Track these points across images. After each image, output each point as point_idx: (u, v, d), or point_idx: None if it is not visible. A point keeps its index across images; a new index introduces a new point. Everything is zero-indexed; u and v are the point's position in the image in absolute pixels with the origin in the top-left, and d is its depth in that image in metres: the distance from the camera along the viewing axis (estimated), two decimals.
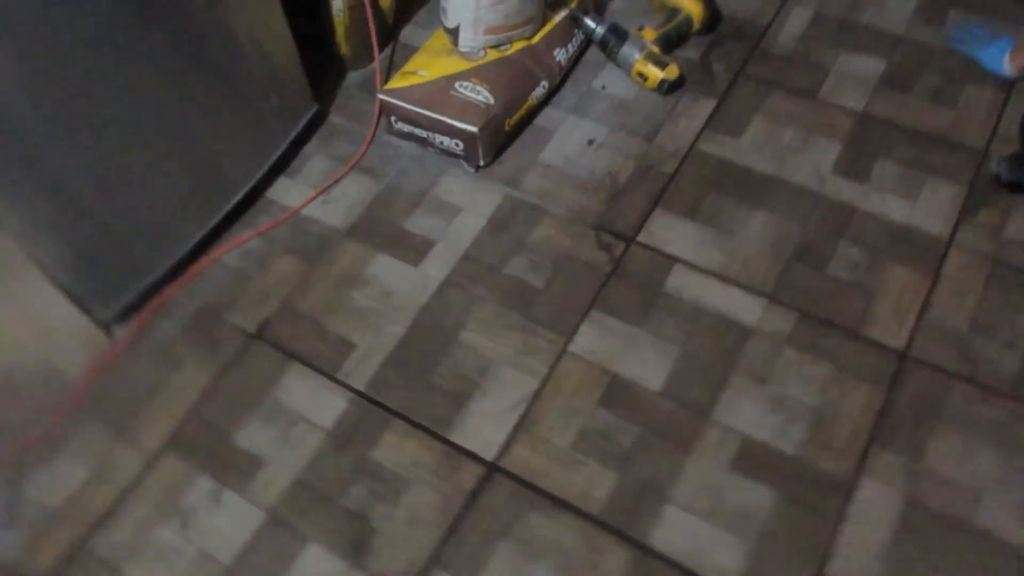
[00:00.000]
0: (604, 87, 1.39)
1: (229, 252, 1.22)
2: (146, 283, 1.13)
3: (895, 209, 1.22)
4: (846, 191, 1.24)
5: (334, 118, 1.38)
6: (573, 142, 1.33)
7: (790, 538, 0.94)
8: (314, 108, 1.31)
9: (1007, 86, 1.34)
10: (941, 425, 1.01)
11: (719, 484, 0.99)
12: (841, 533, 0.94)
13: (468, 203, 1.26)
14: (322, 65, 1.36)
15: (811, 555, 0.93)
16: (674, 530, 0.96)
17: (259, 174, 1.24)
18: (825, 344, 1.09)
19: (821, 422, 1.03)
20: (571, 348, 1.11)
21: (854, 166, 1.27)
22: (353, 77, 1.44)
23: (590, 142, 1.32)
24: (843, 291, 1.14)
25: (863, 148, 1.29)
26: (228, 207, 1.21)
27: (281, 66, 1.20)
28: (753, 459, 1.00)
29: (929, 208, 1.21)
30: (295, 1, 1.19)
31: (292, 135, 1.28)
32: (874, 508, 0.96)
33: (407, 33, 1.50)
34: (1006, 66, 1.32)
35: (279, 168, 1.30)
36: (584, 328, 1.12)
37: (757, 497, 0.97)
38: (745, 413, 1.04)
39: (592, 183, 1.28)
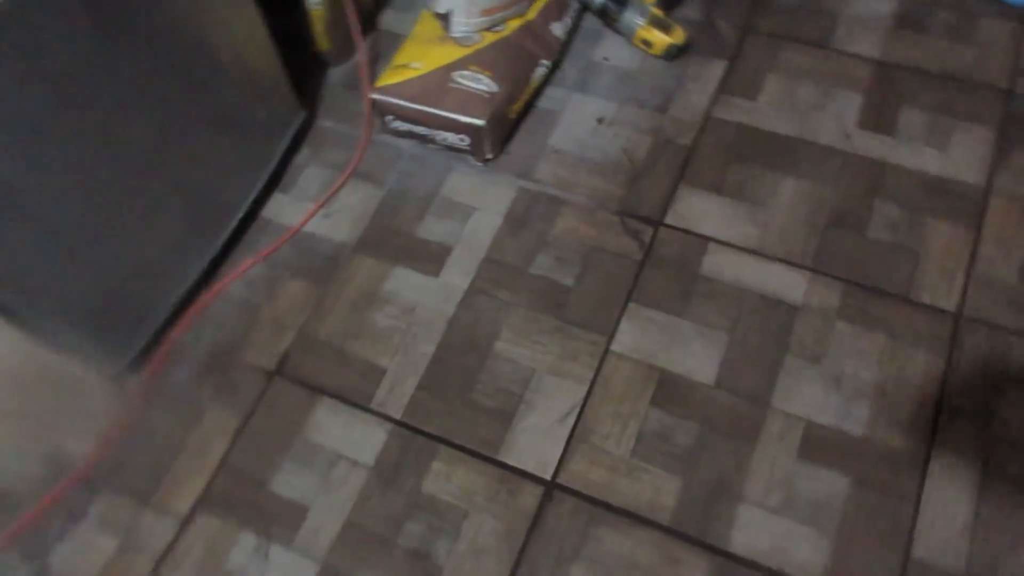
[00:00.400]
0: (606, 59, 1.33)
1: (232, 283, 1.15)
2: (152, 330, 1.07)
3: (927, 160, 1.19)
4: (874, 146, 1.21)
5: (322, 122, 1.31)
6: (581, 122, 1.27)
7: (871, 524, 0.93)
8: (302, 115, 1.24)
9: None
10: (1008, 385, 1.00)
11: (789, 475, 0.97)
12: (922, 512, 0.93)
13: (481, 201, 1.21)
14: (301, 65, 1.27)
15: (895, 539, 0.92)
16: (751, 530, 0.93)
17: (253, 194, 1.17)
18: (876, 313, 1.07)
19: (884, 397, 1.01)
20: (614, 347, 1.07)
21: (879, 118, 1.23)
22: (336, 74, 1.36)
23: (600, 120, 1.27)
24: (886, 254, 1.11)
25: (886, 98, 1.25)
26: (226, 234, 1.14)
27: (265, 76, 1.12)
28: (820, 445, 0.98)
29: (962, 156, 1.19)
30: (266, 1, 1.11)
31: (283, 147, 1.20)
32: (952, 481, 0.95)
33: (387, 19, 1.41)
34: None
35: (272, 184, 1.23)
36: (624, 324, 1.09)
37: (830, 485, 0.96)
38: (805, 397, 1.01)
39: (608, 165, 1.23)
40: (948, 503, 0.93)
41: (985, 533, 0.91)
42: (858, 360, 1.03)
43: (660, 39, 1.27)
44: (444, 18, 1.21)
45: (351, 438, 1.03)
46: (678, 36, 1.28)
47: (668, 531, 0.94)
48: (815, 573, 0.90)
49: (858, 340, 1.05)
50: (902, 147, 1.20)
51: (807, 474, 0.96)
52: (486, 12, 1.19)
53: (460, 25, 1.20)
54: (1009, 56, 1.27)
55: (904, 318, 1.06)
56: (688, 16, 1.36)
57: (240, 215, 1.16)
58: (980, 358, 1.02)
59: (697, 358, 1.05)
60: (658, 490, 0.97)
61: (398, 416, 1.04)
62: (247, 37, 1.06)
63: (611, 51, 1.34)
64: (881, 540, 0.92)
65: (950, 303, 1.07)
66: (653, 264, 1.13)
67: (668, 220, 1.17)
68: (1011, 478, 0.94)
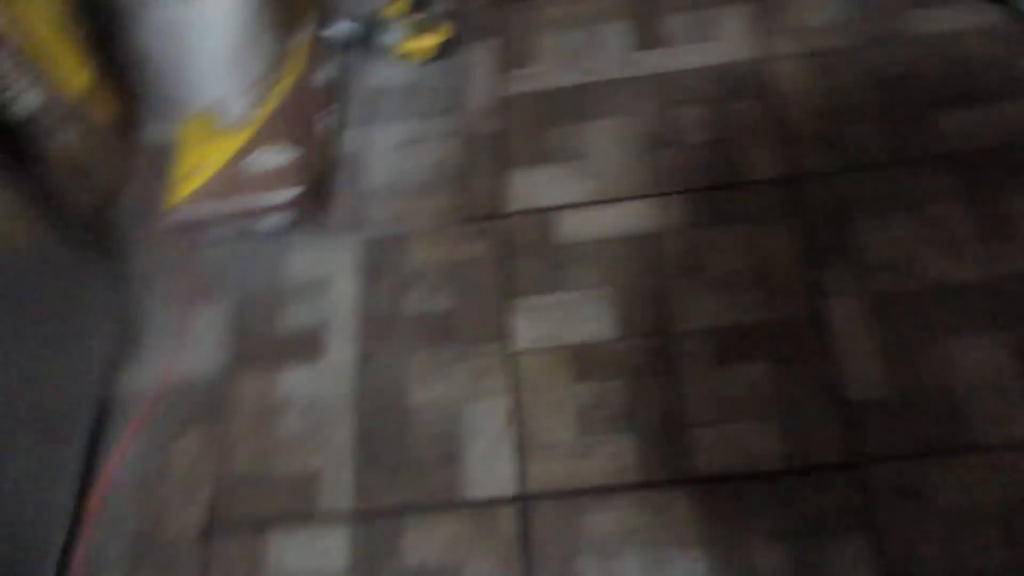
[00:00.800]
0: (384, 81, 1.38)
1: (118, 468, 1.12)
2: (53, 562, 1.02)
3: (706, 54, 1.32)
4: (656, 62, 1.32)
5: (136, 264, 1.28)
6: (389, 152, 1.32)
7: (802, 393, 1.04)
8: (114, 269, 1.21)
9: None
10: (857, 219, 1.14)
11: (719, 384, 1.06)
12: (838, 360, 1.06)
13: (329, 269, 1.23)
14: (86, 223, 1.24)
15: (829, 394, 1.04)
16: (711, 448, 1.03)
17: (97, 368, 1.14)
18: (725, 208, 1.18)
19: (764, 278, 1.12)
20: (518, 347, 1.13)
21: (649, 35, 1.35)
22: (126, 209, 1.32)
23: (404, 143, 1.32)
24: (708, 153, 1.23)
25: (646, 14, 1.37)
26: (88, 421, 1.10)
27: (54, 255, 1.09)
28: (731, 345, 1.09)
29: (733, 38, 1.32)
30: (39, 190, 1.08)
31: (110, 308, 1.18)
32: (850, 322, 1.07)
33: (148, 135, 1.39)
34: None
35: (118, 347, 1.19)
36: (517, 321, 1.15)
37: (754, 375, 1.06)
38: (700, 309, 1.12)
39: (432, 181, 1.28)
40: (856, 342, 1.06)
41: (897, 351, 1.05)
42: (730, 256, 1.15)
43: (428, 42, 1.33)
44: (215, 109, 1.21)
45: (316, 553, 1.03)
46: (443, 32, 1.34)
47: (644, 486, 1.02)
48: (779, 457, 1.01)
49: (721, 238, 1.16)
50: (679, 52, 1.33)
51: (733, 375, 1.07)
52: (252, 86, 1.20)
53: (233, 109, 1.21)
54: None
55: (749, 201, 1.18)
56: (445, 8, 1.43)
57: (94, 396, 1.12)
58: (824, 205, 1.16)
59: (595, 321, 1.13)
60: (617, 455, 1.04)
61: (350, 508, 1.06)
62: (10, 230, 1.03)
63: (386, 72, 1.39)
64: (818, 402, 1.04)
65: (781, 169, 1.20)
66: (516, 254, 1.20)
67: (511, 208, 1.24)
68: (896, 295, 1.08)
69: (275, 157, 1.19)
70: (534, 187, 1.24)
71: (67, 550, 1.05)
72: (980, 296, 1.06)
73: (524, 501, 1.03)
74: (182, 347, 1.20)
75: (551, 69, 1.34)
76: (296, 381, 1.15)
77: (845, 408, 1.02)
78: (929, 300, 1.07)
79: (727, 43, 1.32)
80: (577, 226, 1.20)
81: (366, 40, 1.35)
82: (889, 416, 1.01)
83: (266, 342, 1.19)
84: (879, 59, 1.26)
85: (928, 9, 1.29)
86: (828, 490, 0.98)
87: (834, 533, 0.95)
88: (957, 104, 1.20)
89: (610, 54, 1.34)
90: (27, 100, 1.08)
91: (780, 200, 1.17)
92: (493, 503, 1.03)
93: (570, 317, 1.14)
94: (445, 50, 1.36)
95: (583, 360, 1.11)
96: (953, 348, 1.03)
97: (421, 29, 1.34)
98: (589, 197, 1.22)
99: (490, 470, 1.05)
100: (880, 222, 1.13)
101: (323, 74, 1.32)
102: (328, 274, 1.22)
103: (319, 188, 1.24)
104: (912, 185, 1.15)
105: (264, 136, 1.21)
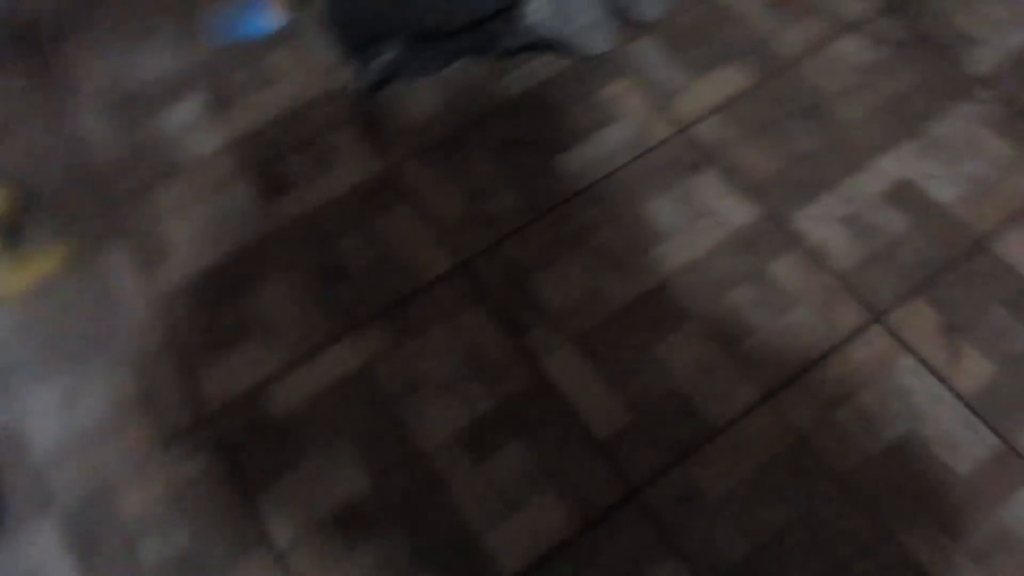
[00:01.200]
0: (4, 335, 1.23)
1: None
2: None
3: (336, 181, 1.35)
4: (292, 206, 1.33)
5: None
6: (52, 414, 1.17)
7: (560, 453, 1.09)
8: None
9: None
10: (533, 277, 1.23)
11: (489, 482, 1.08)
12: (575, 409, 1.13)
13: (30, 568, 1.06)
14: None
15: (581, 444, 1.10)
16: (507, 545, 1.04)
17: None
18: (418, 317, 1.22)
19: (480, 366, 1.17)
20: (280, 546, 1.06)
21: (275, 183, 1.36)
22: None
23: (66, 396, 1.19)
24: (379, 272, 1.26)
25: (263, 163, 1.38)
26: None
27: None
28: (480, 441, 1.11)
29: (351, 160, 1.37)
30: None
31: None
32: (568, 371, 1.15)
33: None
34: (275, 17, 1.50)
35: None
36: (270, 521, 1.08)
37: (513, 458, 1.10)
38: (439, 423, 1.13)
39: (115, 418, 1.16)
40: (582, 385, 1.14)
41: (618, 377, 1.14)
42: (441, 359, 1.18)
43: (33, 268, 1.22)
44: None
45: None
46: (54, 255, 1.23)
47: None
48: (568, 522, 1.04)
49: (427, 345, 1.19)
50: (310, 188, 1.35)
51: (494, 467, 1.09)
52: None
53: None
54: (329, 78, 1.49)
55: (437, 301, 1.23)
56: (45, 230, 1.32)
57: None
58: (501, 276, 1.24)
59: (344, 482, 1.10)
60: None
61: None
62: None
63: (4, 324, 1.24)
64: (576, 453, 1.09)
65: (450, 261, 1.26)
66: (238, 450, 1.13)
67: (213, 406, 1.16)
68: (593, 330, 1.18)
69: None
70: (228, 375, 1.18)
71: None
72: (657, 299, 1.20)
73: None
74: None
75: (195, 251, 1.30)
76: None
77: (600, 449, 1.09)
78: (622, 320, 1.18)
79: (349, 166, 1.36)
80: (288, 394, 1.16)
81: None
82: (637, 439, 1.10)
83: None
84: (471, 132, 1.38)
85: (511, 73, 1.45)
86: (623, 531, 1.03)
87: (648, 567, 1.01)
88: (568, 146, 1.35)
89: (246, 214, 1.33)
90: None
91: (462, 289, 1.23)
92: None
93: (318, 487, 1.09)
94: (55, 263, 1.25)
95: (349, 524, 1.07)
96: (659, 353, 1.15)
97: (24, 260, 1.22)
98: (287, 361, 1.19)
99: None
100: (552, 271, 1.24)
101: None
102: (31, 573, 1.06)
103: None
104: (563, 229, 1.27)
105: None
